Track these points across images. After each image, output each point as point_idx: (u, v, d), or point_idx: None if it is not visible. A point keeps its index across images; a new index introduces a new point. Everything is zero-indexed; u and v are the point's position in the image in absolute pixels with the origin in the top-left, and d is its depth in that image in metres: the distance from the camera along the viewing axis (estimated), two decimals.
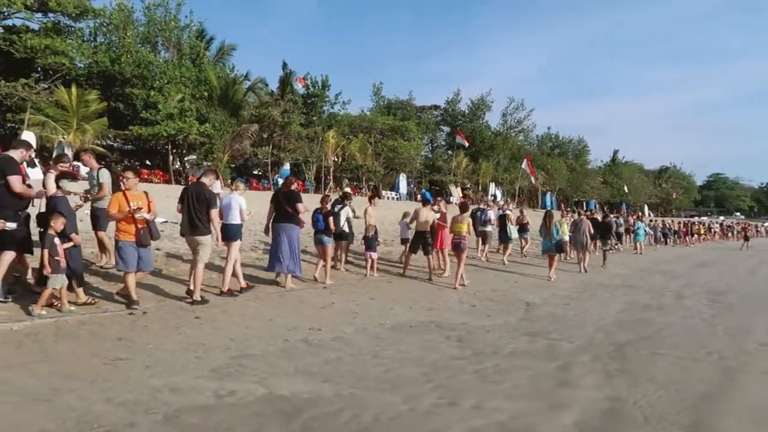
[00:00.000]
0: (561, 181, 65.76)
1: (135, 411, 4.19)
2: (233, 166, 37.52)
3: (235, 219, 8.87)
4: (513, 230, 17.40)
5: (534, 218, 23.01)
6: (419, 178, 54.61)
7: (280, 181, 36.39)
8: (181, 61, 35.16)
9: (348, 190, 14.58)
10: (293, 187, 10.16)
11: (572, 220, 17.41)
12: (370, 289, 10.39)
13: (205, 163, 34.51)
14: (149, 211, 7.39)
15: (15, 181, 6.74)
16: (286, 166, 39.11)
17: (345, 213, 11.78)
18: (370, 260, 12.07)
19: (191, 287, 8.06)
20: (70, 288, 6.96)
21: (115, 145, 34.19)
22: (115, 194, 7.52)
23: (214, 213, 8.10)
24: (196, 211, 7.99)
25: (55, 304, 6.76)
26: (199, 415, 4.22)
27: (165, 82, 31.85)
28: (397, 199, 44.29)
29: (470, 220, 12.34)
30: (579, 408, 4.81)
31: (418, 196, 31.77)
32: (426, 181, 54.54)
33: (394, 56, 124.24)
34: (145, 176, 30.13)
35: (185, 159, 35.55)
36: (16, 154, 7.02)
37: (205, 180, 8.32)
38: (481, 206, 18.13)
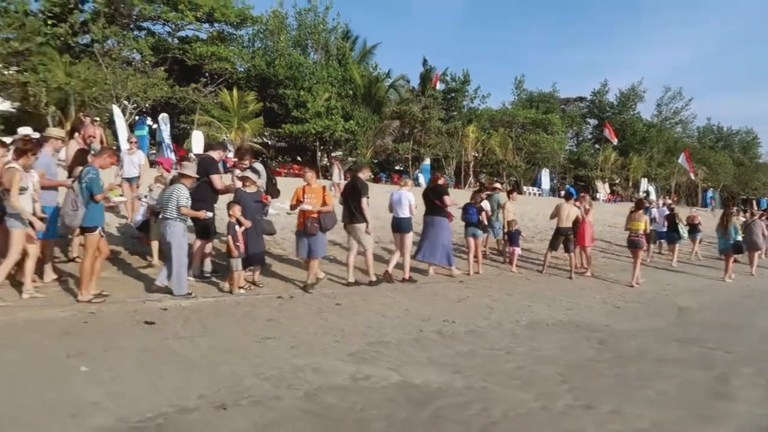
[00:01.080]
0: (726, 176, 59.33)
1: (279, 386, 4.54)
2: (376, 161, 38.72)
3: (405, 213, 9.51)
4: (683, 230, 16.03)
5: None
6: (563, 173, 52.31)
7: (420, 177, 36.96)
8: (328, 62, 36.95)
9: (498, 185, 14.64)
10: (440, 182, 10.81)
11: (743, 220, 15.70)
12: (507, 284, 10.23)
13: (343, 156, 35.98)
14: (324, 204, 8.01)
15: (216, 179, 7.78)
16: (427, 162, 39.53)
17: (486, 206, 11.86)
18: (511, 255, 11.93)
19: (349, 274, 8.86)
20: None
21: (269, 142, 36.86)
22: (297, 188, 8.39)
23: (365, 202, 8.65)
24: (353, 201, 8.68)
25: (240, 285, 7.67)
26: (335, 395, 4.47)
27: (314, 82, 33.71)
28: (539, 194, 42.86)
29: (647, 217, 11.75)
30: (734, 423, 4.38)
31: (562, 192, 30.58)
32: (570, 176, 52.10)
33: (536, 47, 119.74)
34: (296, 171, 32.16)
35: (332, 155, 37.37)
36: (215, 154, 8.21)
37: (359, 174, 8.98)
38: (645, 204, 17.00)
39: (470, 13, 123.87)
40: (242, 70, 35.33)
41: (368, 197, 8.75)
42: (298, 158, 38.98)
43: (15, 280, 6.56)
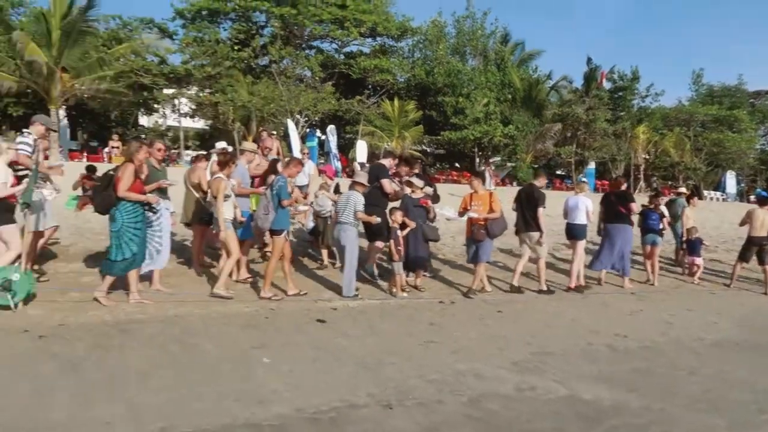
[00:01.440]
0: None
1: (442, 390, 4.58)
2: (536, 166, 37.56)
3: (580, 219, 9.27)
4: None
5: None
6: (753, 175, 46.36)
7: (584, 181, 35.15)
8: (487, 67, 36.67)
9: (683, 189, 13.55)
10: (623, 187, 10.48)
11: None
12: (687, 298, 9.32)
13: (501, 162, 35.27)
14: (492, 210, 8.05)
15: (387, 184, 8.17)
16: (591, 165, 37.44)
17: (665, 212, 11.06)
18: (693, 266, 10.87)
19: (514, 279, 8.74)
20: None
21: (428, 149, 37.53)
22: (464, 196, 8.66)
23: (541, 212, 8.51)
24: (527, 210, 8.58)
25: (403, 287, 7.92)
26: (499, 403, 4.40)
27: (472, 88, 33.69)
28: (723, 199, 38.41)
29: None
30: None
31: (751, 197, 26.95)
32: (762, 178, 46.03)
33: (717, 37, 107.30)
34: (454, 177, 32.34)
35: (490, 161, 37.01)
36: (386, 161, 8.75)
37: (535, 182, 8.95)
38: None
39: (640, 7, 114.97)
40: (403, 80, 36.39)
41: (545, 207, 8.56)
42: (457, 165, 39.13)
43: (207, 276, 7.41)
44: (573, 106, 36.52)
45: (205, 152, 8.36)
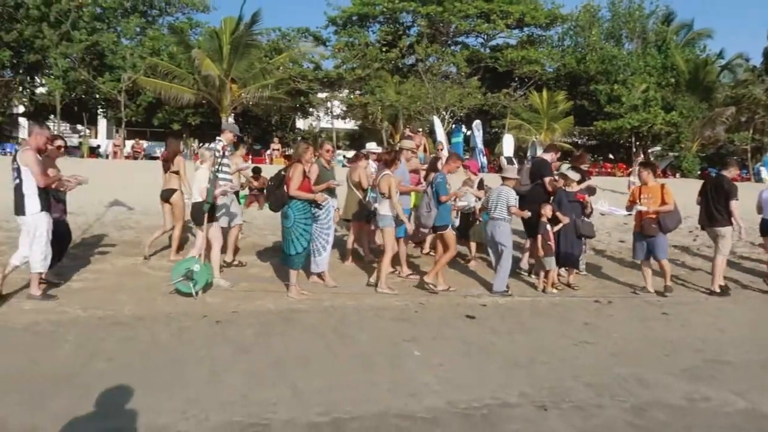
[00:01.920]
0: None
1: (602, 394, 4.33)
2: (703, 155, 34.08)
3: None
4: None
5: None
6: None
7: (763, 171, 31.10)
8: (646, 50, 33.97)
9: None
10: None
11: None
12: None
13: (662, 152, 32.41)
14: (663, 203, 7.55)
15: (547, 182, 7.88)
16: None
17: None
18: None
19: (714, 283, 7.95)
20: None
21: (579, 141, 35.71)
22: (633, 188, 8.26)
23: (734, 205, 7.79)
24: (715, 202, 7.91)
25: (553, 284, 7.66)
26: (667, 413, 4.05)
27: (629, 74, 31.44)
28: None
29: None
30: None
31: None
32: None
33: None
34: (608, 170, 30.44)
35: (649, 151, 34.26)
36: (548, 156, 8.40)
37: (724, 172, 8.18)
38: None
39: None
40: (551, 70, 35.01)
41: (737, 199, 7.80)
42: (611, 156, 36.78)
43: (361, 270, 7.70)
44: (750, 86, 32.56)
45: (365, 151, 8.71)
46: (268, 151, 28.14)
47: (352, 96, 30.43)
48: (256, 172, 9.44)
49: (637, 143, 32.93)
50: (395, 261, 7.68)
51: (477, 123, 27.75)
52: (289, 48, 29.46)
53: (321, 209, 6.94)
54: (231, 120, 27.08)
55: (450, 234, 7.24)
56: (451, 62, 31.44)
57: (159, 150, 32.26)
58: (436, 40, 31.48)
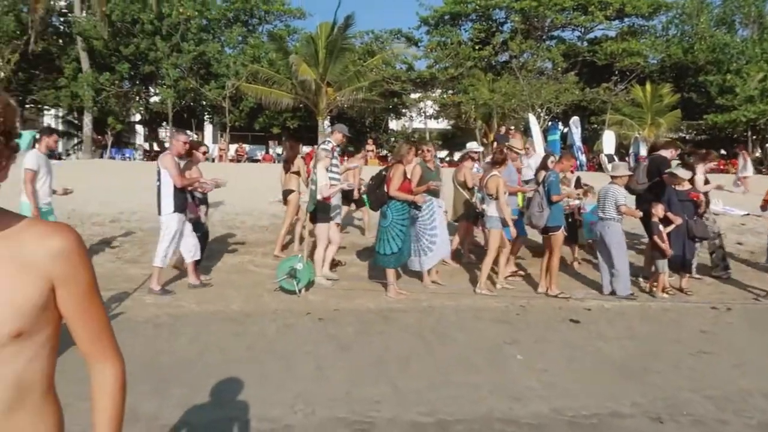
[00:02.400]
0: None
1: (724, 409, 4.02)
2: None
3: None
4: None
5: None
6: None
7: None
8: (763, 36, 31.22)
9: None
10: None
11: None
12: None
13: None
14: None
15: (667, 179, 7.44)
16: None
17: None
18: None
19: None
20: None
21: (687, 136, 33.43)
22: None
23: None
24: None
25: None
26: None
27: (743, 62, 29.02)
28: None
29: None
30: None
31: None
32: None
33: None
34: (720, 167, 28.27)
35: (767, 145, 31.51)
36: (666, 153, 7.98)
37: None
38: None
39: None
40: (655, 61, 33.03)
41: None
42: (722, 152, 34.13)
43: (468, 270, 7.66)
44: None
45: (475, 151, 8.62)
46: (359, 155, 28.60)
47: (445, 96, 30.32)
48: None
49: (754, 137, 30.34)
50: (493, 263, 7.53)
51: (575, 120, 26.72)
52: (382, 50, 29.82)
53: (420, 211, 6.95)
54: (327, 123, 27.84)
55: (560, 236, 7.01)
56: (546, 57, 30.49)
57: (260, 153, 33.80)
58: (530, 35, 30.66)
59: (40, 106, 31.61)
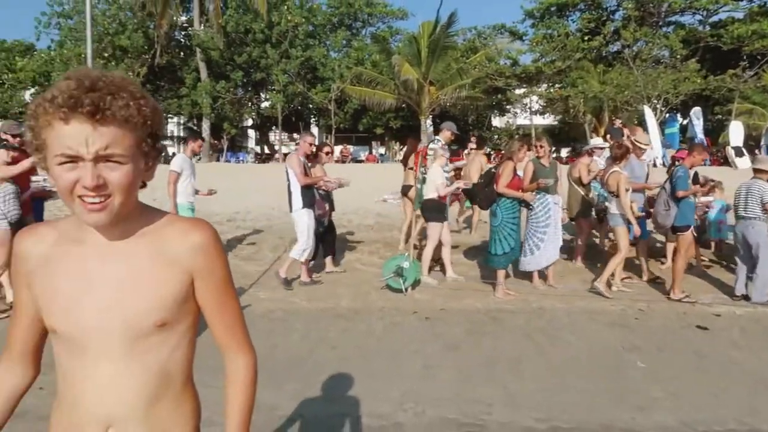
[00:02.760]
0: None
1: None
2: None
3: None
4: None
5: None
6: None
7: None
8: None
9: None
10: None
11: None
12: None
13: None
14: None
15: None
16: None
17: None
18: None
19: None
20: None
21: None
22: None
23: None
24: None
25: None
26: None
27: None
28: None
29: None
30: None
31: None
32: None
33: None
34: None
35: None
36: None
37: None
38: None
39: None
40: None
41: None
42: None
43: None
44: None
45: (600, 147, 8.21)
46: (466, 151, 28.33)
47: (551, 90, 29.29)
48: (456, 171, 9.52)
49: None
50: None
51: (696, 110, 24.75)
52: (485, 46, 29.38)
53: (531, 209, 6.72)
54: (429, 122, 27.85)
55: (688, 236, 6.49)
56: (663, 45, 28.53)
57: (363, 154, 34.48)
58: (644, 22, 28.83)
59: (164, 114, 34.29)
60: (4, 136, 6.07)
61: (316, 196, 6.97)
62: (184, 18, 33.00)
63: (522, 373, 4.43)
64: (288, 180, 6.78)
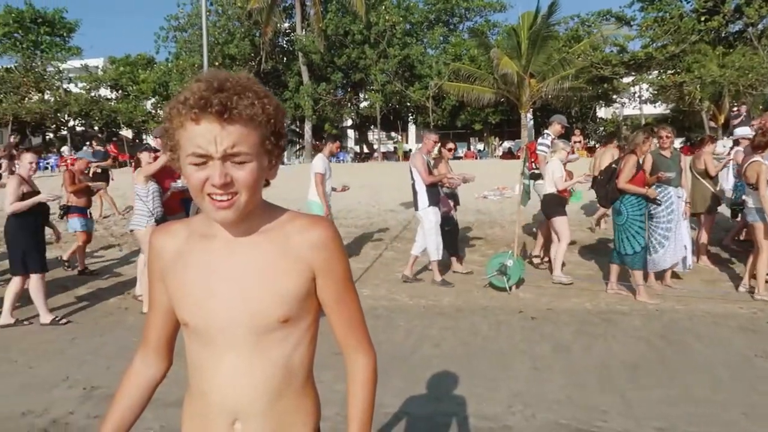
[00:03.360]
0: None
1: None
2: None
3: None
4: None
5: None
6: None
7: None
8: None
9: None
10: None
11: None
12: None
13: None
14: None
15: None
16: None
17: None
18: None
19: None
20: None
21: None
22: None
23: None
24: None
25: None
26: None
27: None
28: None
29: None
30: None
31: None
32: None
33: None
34: None
35: None
36: None
37: None
38: None
39: None
40: None
41: None
42: None
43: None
44: None
45: (747, 137, 7.58)
46: (570, 142, 27.24)
47: (663, 77, 27.35)
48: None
49: None
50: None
51: None
52: (589, 34, 28.02)
53: (659, 205, 6.23)
54: (530, 116, 27.04)
55: None
56: None
57: (461, 150, 34.12)
58: None
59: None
60: (153, 141, 6.62)
61: (441, 194, 6.96)
62: (286, 24, 34.28)
63: (639, 380, 4.14)
64: (412, 179, 6.79)
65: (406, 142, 40.53)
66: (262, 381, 1.17)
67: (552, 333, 5.19)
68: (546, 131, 7.52)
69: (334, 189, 7.52)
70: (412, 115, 35.89)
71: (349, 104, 34.37)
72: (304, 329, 1.21)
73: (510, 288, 6.43)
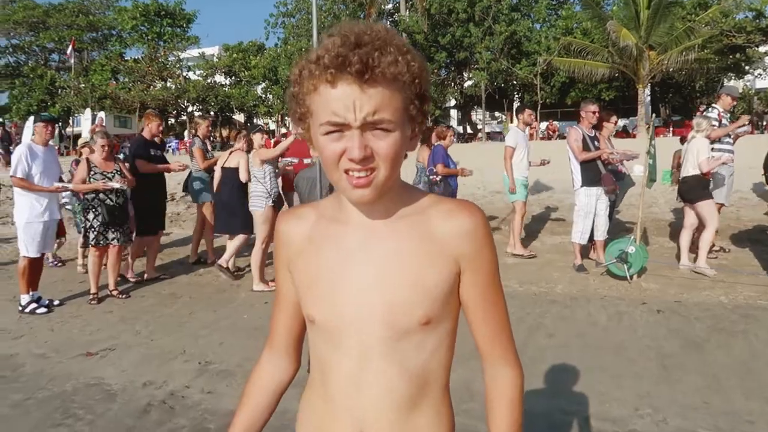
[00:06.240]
0: None
1: None
2: None
3: None
4: None
5: None
6: None
7: None
8: None
9: None
10: None
11: None
12: None
13: None
14: None
15: None
16: None
17: None
18: None
19: None
20: None
21: None
22: None
23: None
24: None
25: None
26: None
27: None
28: None
29: None
30: None
31: None
32: None
33: None
34: None
35: None
36: None
37: None
38: None
39: None
40: None
41: None
42: None
43: None
44: None
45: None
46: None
47: None
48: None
49: None
50: None
51: None
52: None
53: None
54: (647, 91, 25.17)
55: None
56: None
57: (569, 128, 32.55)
58: None
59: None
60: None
61: (601, 171, 6.35)
62: (390, 5, 34.15)
63: None
64: (569, 157, 6.45)
65: (511, 122, 39.27)
66: (395, 389, 1.02)
67: (682, 328, 4.71)
68: (713, 105, 6.82)
69: (530, 163, 7.31)
70: (518, 94, 34.65)
71: (452, 84, 33.78)
72: (444, 334, 1.04)
73: (631, 277, 5.95)
